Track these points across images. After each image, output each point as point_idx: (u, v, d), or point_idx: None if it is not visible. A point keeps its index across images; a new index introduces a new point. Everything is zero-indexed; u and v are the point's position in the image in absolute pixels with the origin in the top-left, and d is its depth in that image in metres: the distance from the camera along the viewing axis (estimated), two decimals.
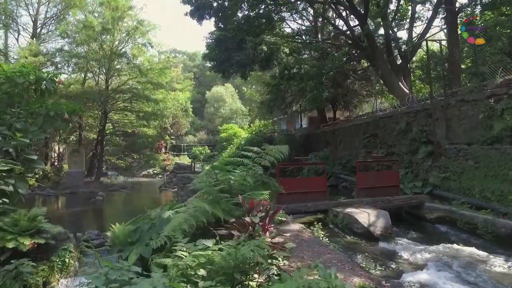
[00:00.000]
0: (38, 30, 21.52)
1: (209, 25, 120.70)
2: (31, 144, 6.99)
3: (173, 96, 28.25)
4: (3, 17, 19.33)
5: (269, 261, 3.92)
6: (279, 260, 4.08)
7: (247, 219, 3.90)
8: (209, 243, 3.32)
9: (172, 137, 35.12)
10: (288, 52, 15.10)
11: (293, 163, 16.79)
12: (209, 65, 20.48)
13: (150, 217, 6.51)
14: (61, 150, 22.95)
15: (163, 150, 31.31)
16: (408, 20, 20.78)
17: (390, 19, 19.14)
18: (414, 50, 18.27)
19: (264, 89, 33.89)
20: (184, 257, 3.33)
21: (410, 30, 18.58)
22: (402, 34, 46.61)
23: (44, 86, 7.33)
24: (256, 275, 3.61)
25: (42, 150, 20.11)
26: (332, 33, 22.94)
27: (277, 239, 3.88)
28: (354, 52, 21.13)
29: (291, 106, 28.10)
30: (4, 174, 6.11)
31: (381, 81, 24.78)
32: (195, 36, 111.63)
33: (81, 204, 14.25)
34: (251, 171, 5.58)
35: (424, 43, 18.92)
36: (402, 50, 18.63)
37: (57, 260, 6.22)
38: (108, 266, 2.63)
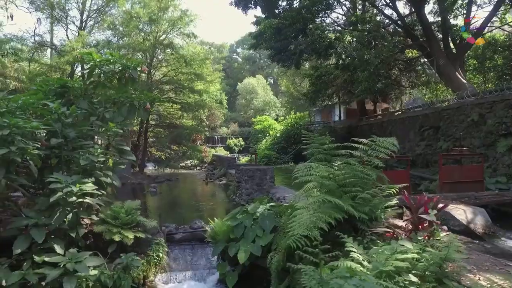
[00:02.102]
0: (83, 23, 21.63)
1: (242, 15, 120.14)
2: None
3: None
4: (50, 10, 19.53)
5: None
6: None
7: (427, 217, 3.54)
8: (409, 244, 2.97)
9: (205, 128, 35.09)
10: (350, 40, 14.52)
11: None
12: (247, 53, 20.00)
13: (248, 212, 6.23)
14: (101, 141, 23.09)
15: (199, 142, 31.30)
16: (456, 6, 19.70)
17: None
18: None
19: (300, 80, 33.43)
20: (359, 259, 2.98)
21: (467, 17, 17.53)
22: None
23: (129, 75, 7.12)
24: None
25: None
26: (372, 23, 22.06)
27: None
28: (403, 41, 20.24)
29: (332, 98, 27.46)
30: (101, 165, 5.96)
31: (428, 71, 23.87)
32: (222, 28, 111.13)
33: (136, 196, 14.23)
34: (371, 164, 5.17)
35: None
36: (459, 38, 17.62)
37: (154, 255, 6.06)
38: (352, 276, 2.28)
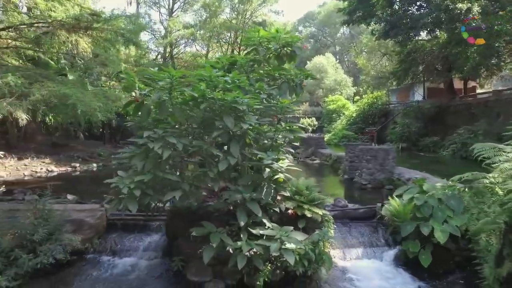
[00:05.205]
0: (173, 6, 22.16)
1: None
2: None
3: None
4: None
5: None
6: None
7: None
8: None
9: None
10: (479, 10, 13.27)
11: None
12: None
13: (424, 191, 6.03)
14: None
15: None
16: None
17: None
18: None
19: (379, 58, 32.00)
20: None
21: None
22: None
23: (290, 51, 7.07)
24: None
25: None
26: None
27: None
28: None
29: (420, 76, 25.94)
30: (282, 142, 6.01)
31: None
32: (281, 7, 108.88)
33: None
34: None
35: None
36: None
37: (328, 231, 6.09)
38: None
